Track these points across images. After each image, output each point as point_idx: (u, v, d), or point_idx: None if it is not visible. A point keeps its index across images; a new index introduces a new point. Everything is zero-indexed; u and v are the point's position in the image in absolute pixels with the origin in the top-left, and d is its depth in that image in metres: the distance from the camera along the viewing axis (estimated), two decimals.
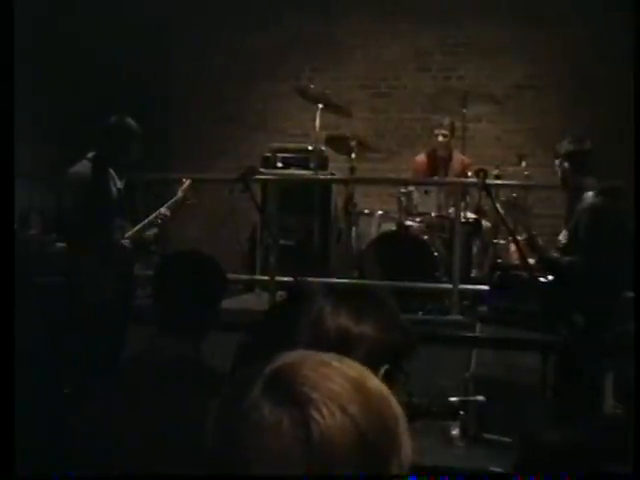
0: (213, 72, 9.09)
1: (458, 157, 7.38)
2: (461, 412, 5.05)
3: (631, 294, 4.54)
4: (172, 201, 5.28)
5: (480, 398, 4.95)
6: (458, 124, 7.46)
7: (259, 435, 0.95)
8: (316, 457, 0.94)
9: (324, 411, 0.96)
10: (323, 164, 7.44)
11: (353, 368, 1.04)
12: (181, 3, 9.01)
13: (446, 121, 7.35)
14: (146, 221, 5.20)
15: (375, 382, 1.04)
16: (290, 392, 0.97)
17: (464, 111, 7.38)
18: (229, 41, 8.97)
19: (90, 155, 5.08)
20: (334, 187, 7.58)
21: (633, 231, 4.44)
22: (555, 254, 4.62)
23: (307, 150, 7.40)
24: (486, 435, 5.07)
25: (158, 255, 5.67)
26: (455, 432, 5.07)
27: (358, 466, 0.97)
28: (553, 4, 8.38)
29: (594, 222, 4.48)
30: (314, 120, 7.20)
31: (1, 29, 3.50)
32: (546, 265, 4.59)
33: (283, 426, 0.95)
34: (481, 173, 4.98)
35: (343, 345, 1.65)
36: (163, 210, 5.19)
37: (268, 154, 7.48)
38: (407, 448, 1.03)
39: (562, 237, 4.78)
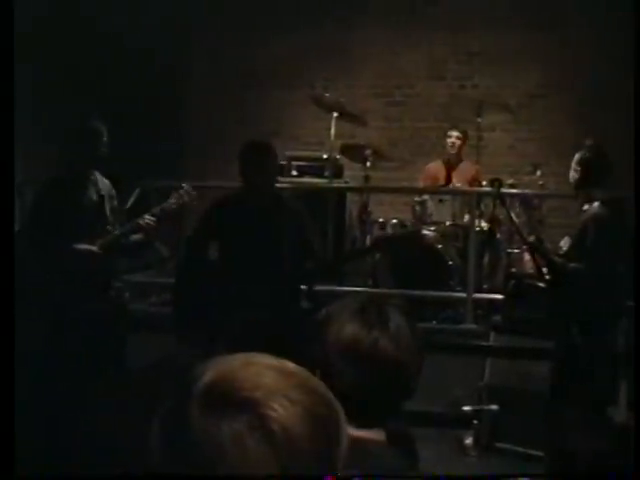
0: (227, 80, 9.13)
1: (468, 166, 7.41)
2: (474, 421, 5.08)
3: (631, 303, 4.53)
4: (159, 208, 5.07)
5: (494, 407, 4.97)
6: (472, 133, 7.49)
7: (224, 454, 0.95)
8: (284, 452, 0.95)
9: (275, 406, 0.97)
10: (338, 172, 7.47)
11: (270, 358, 1.05)
12: (198, 9, 9.05)
13: (458, 129, 7.42)
14: (125, 228, 5.06)
15: (293, 365, 1.06)
16: (233, 401, 0.97)
17: (478, 120, 7.40)
18: (244, 49, 9.00)
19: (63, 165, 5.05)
20: (348, 195, 7.60)
21: (634, 240, 4.43)
22: (559, 259, 4.62)
23: (322, 158, 7.43)
24: (499, 444, 5.06)
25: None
26: (468, 441, 5.07)
27: (317, 448, 0.98)
28: (566, 13, 8.38)
29: (598, 232, 4.49)
30: (329, 128, 7.23)
31: (1, 29, 3.51)
32: (551, 269, 4.59)
33: (244, 436, 0.95)
34: (496, 182, 4.99)
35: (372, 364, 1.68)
36: (147, 217, 4.99)
37: (283, 162, 7.49)
38: (345, 428, 1.05)
39: (563, 244, 4.78)
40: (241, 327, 4.05)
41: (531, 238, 4.79)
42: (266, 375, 1.01)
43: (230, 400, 0.97)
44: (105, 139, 4.95)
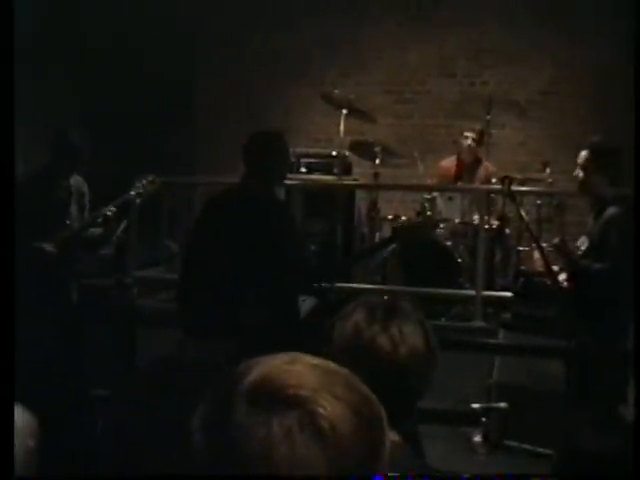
0: (237, 75, 9.12)
1: (484, 164, 7.36)
2: (483, 418, 5.06)
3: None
4: (118, 200, 4.94)
5: (502, 405, 4.96)
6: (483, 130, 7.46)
7: (272, 450, 0.95)
8: (332, 448, 0.95)
9: (322, 403, 0.97)
10: (347, 169, 7.45)
11: (312, 357, 1.06)
12: (207, 5, 9.05)
13: (477, 126, 7.34)
14: (85, 222, 5.00)
15: (335, 364, 1.06)
16: (281, 398, 0.97)
17: (488, 117, 7.37)
18: (253, 45, 9.00)
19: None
20: (357, 193, 7.58)
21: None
22: (585, 261, 4.57)
23: (331, 155, 7.41)
24: (508, 442, 5.05)
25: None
26: (477, 439, 5.06)
27: (363, 447, 0.98)
28: (577, 10, 8.35)
29: (619, 234, 4.43)
30: (338, 125, 7.22)
31: (1, 29, 3.51)
32: (575, 270, 4.55)
33: (294, 432, 0.95)
34: (506, 180, 4.97)
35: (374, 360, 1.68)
36: (107, 210, 4.87)
37: (292, 159, 7.47)
38: (387, 427, 1.05)
39: (581, 244, 4.73)
40: (245, 327, 4.00)
41: (556, 240, 4.76)
42: (311, 373, 1.01)
43: (277, 398, 0.97)
44: (84, 151, 4.93)
